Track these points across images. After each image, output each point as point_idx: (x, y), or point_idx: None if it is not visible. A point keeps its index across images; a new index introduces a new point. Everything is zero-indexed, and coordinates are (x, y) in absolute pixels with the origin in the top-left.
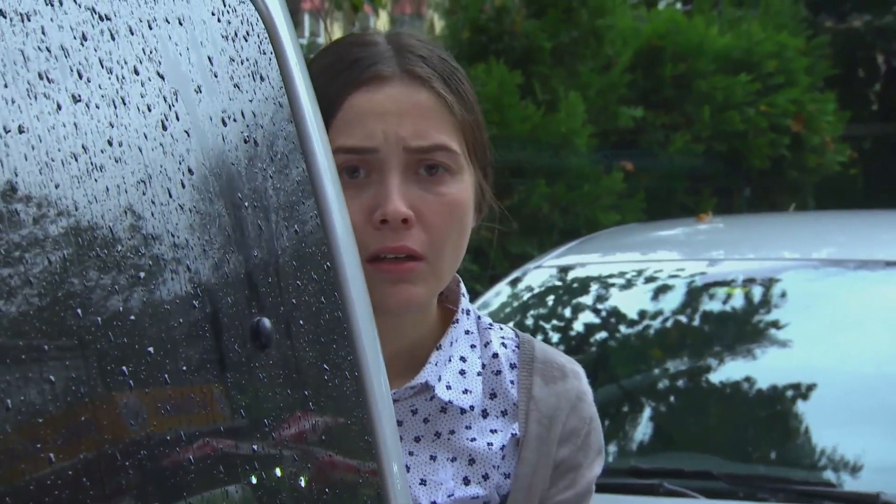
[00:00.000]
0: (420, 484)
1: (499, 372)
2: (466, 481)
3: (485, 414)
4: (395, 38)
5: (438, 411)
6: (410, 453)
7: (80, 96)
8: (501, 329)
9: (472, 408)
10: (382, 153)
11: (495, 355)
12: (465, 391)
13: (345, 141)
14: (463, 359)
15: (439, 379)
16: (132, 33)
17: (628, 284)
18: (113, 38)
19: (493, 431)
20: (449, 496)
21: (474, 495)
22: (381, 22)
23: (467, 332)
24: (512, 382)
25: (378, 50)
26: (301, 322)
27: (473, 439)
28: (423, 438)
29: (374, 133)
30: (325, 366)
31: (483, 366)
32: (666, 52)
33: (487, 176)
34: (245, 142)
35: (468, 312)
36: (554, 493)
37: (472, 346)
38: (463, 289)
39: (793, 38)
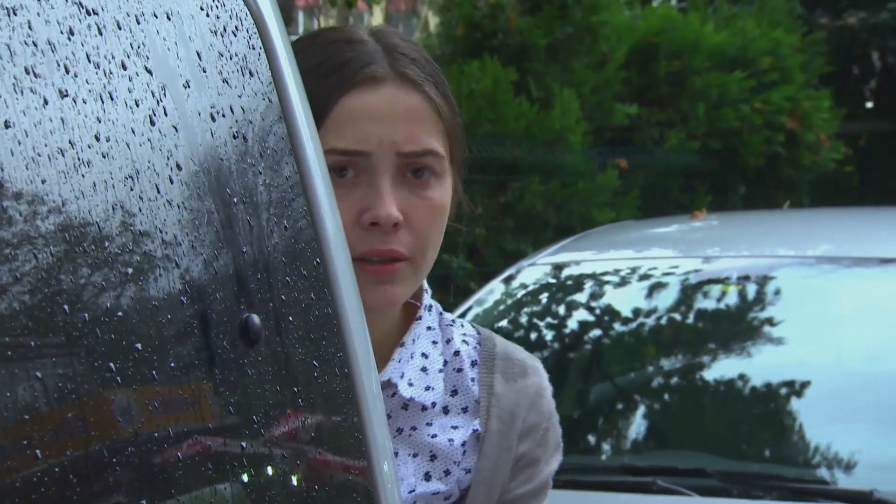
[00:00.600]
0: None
1: (460, 369)
2: (428, 477)
3: (446, 410)
4: (381, 37)
5: (400, 408)
6: None
7: (67, 91)
8: (463, 325)
9: (433, 405)
10: (375, 157)
11: (457, 352)
12: (427, 388)
13: (337, 143)
14: (425, 355)
15: (401, 376)
16: (120, 28)
17: (623, 282)
18: (100, 33)
19: (455, 428)
20: (410, 492)
21: (435, 490)
22: (376, 18)
23: (429, 329)
24: (473, 379)
25: (367, 49)
26: (291, 319)
27: (435, 435)
28: None
29: (367, 137)
30: (315, 363)
31: (445, 362)
32: (661, 48)
33: (461, 174)
34: (234, 137)
35: (430, 308)
36: (513, 486)
37: (434, 343)
38: (426, 284)
39: (788, 35)
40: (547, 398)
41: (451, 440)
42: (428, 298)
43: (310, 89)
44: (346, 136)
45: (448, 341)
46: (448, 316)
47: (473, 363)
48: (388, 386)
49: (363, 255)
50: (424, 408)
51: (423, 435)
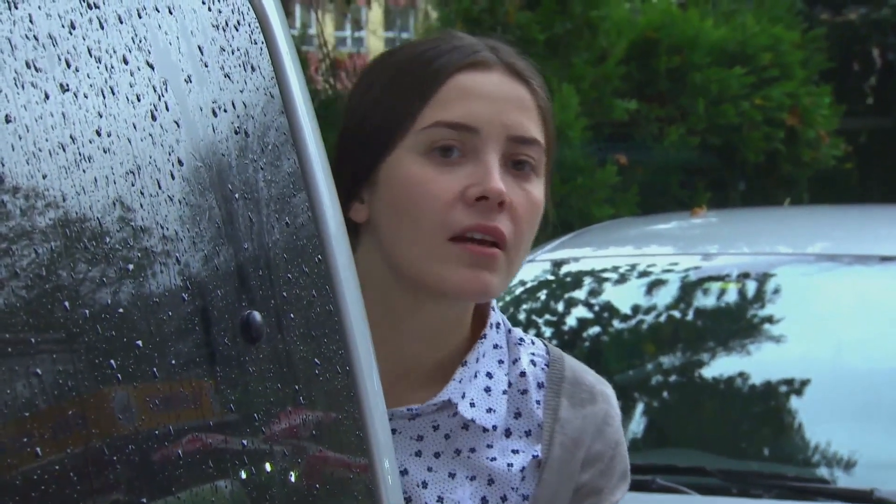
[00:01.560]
0: (437, 501)
1: (525, 391)
2: (484, 501)
3: (508, 433)
4: (485, 39)
5: (460, 428)
6: (429, 469)
7: (68, 86)
8: (533, 344)
9: (494, 427)
10: (483, 135)
11: (523, 373)
12: (489, 410)
13: (446, 116)
14: (489, 375)
15: (463, 396)
16: (121, 22)
17: (622, 279)
18: (102, 27)
19: (515, 452)
20: None
21: None
22: (374, 14)
23: (496, 347)
24: (538, 402)
25: (474, 43)
26: (292, 316)
27: (494, 459)
28: (442, 454)
29: (477, 113)
30: (317, 360)
31: (509, 384)
32: (660, 44)
33: (549, 181)
34: (236, 133)
35: (498, 326)
36: None
37: (500, 362)
38: (493, 301)
39: (788, 32)
40: (614, 426)
41: (510, 465)
42: (496, 315)
43: (414, 72)
44: (457, 111)
45: (515, 361)
46: (517, 333)
47: (540, 385)
48: (448, 406)
49: (466, 230)
50: (485, 430)
51: (481, 458)
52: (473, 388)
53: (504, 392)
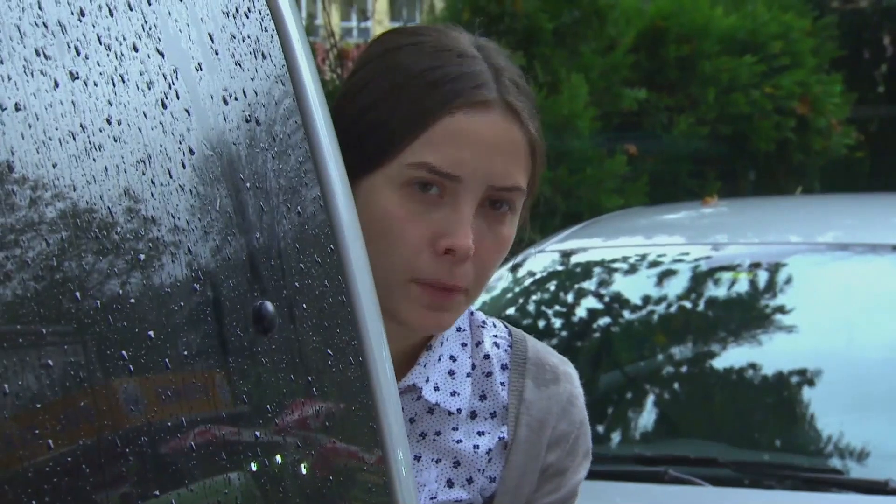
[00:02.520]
0: (415, 485)
1: (489, 373)
2: (450, 483)
3: (473, 416)
4: (488, 54)
5: (425, 412)
6: None
7: (77, 73)
8: (495, 326)
9: (459, 410)
10: (465, 183)
11: (486, 356)
12: (454, 393)
13: (432, 161)
14: (453, 358)
15: (427, 380)
16: (131, 9)
17: (632, 269)
18: (111, 14)
19: (481, 434)
20: (431, 498)
21: (457, 498)
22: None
23: (459, 330)
24: (502, 384)
25: (479, 69)
26: (304, 306)
27: (459, 441)
28: (408, 438)
29: (464, 162)
30: (329, 350)
31: (473, 366)
32: (670, 32)
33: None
34: (247, 121)
35: None
36: (539, 496)
37: (463, 345)
38: None
39: (799, 19)
40: (578, 406)
41: (476, 447)
42: None
43: (411, 95)
44: (443, 156)
45: (478, 344)
46: (479, 316)
47: (504, 367)
48: (413, 390)
49: (427, 281)
50: (450, 413)
51: (447, 440)
52: (437, 372)
53: (468, 375)
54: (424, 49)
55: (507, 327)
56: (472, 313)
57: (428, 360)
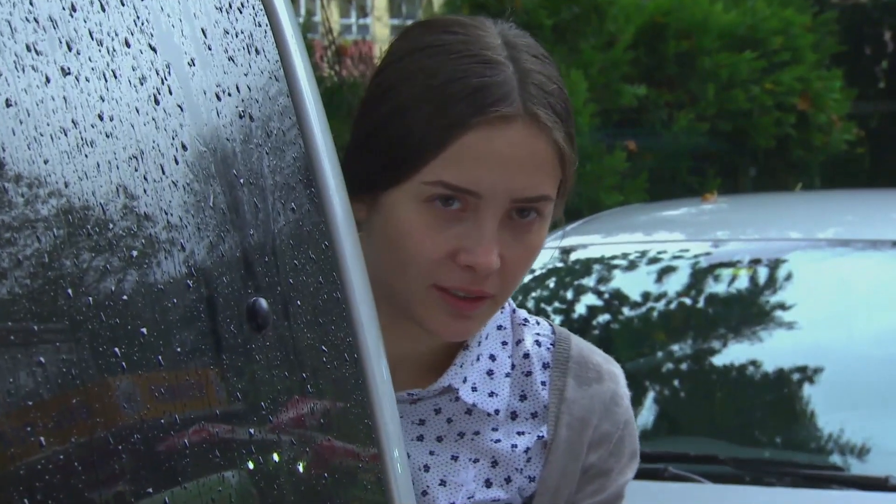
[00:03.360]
0: (440, 484)
1: (529, 373)
2: (488, 483)
3: (513, 416)
4: (515, 56)
5: (463, 412)
6: (431, 452)
7: (69, 69)
8: (538, 324)
9: (497, 412)
10: (486, 199)
11: (526, 355)
12: (491, 394)
13: (451, 178)
14: (492, 357)
15: (464, 380)
16: (123, 4)
17: (631, 266)
18: (103, 9)
19: (520, 434)
20: (469, 498)
21: (495, 498)
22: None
23: (499, 328)
24: (543, 384)
25: (502, 79)
26: (299, 303)
27: (498, 441)
28: (445, 438)
29: (483, 179)
30: (324, 347)
31: (513, 366)
32: (669, 28)
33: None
34: (240, 117)
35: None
36: (581, 498)
37: (504, 344)
38: None
39: (799, 15)
40: (623, 406)
41: (514, 446)
42: None
43: (431, 109)
44: (462, 173)
45: (518, 342)
46: (521, 314)
47: (545, 365)
48: (449, 391)
49: (449, 289)
50: (489, 414)
51: (485, 440)
52: (475, 372)
53: (507, 375)
54: (446, 53)
55: (550, 325)
56: (513, 311)
57: (465, 359)
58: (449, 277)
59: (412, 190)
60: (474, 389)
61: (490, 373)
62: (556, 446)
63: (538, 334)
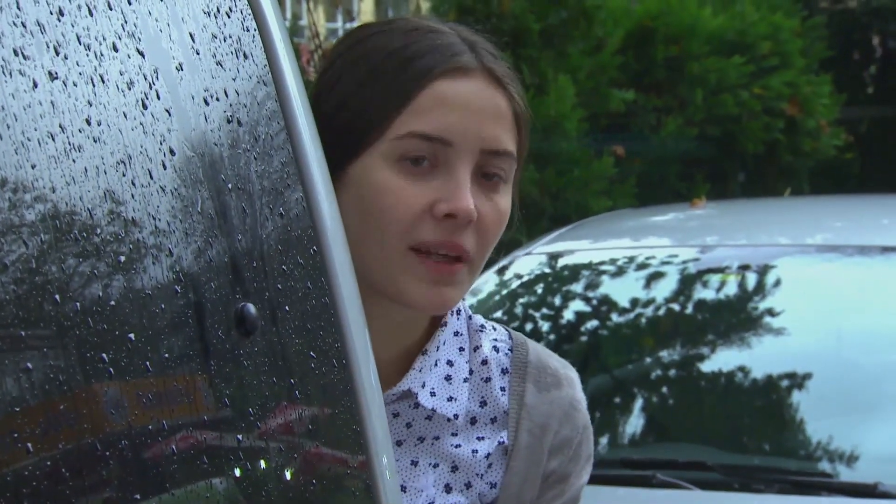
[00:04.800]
0: (400, 490)
1: (488, 379)
2: (448, 488)
3: (473, 421)
4: (460, 31)
5: (423, 418)
6: None
7: (57, 74)
8: (494, 329)
9: (456, 416)
10: (456, 148)
11: (485, 361)
12: (450, 398)
13: (421, 127)
14: (450, 363)
15: (423, 385)
16: (111, 8)
17: (620, 272)
18: (91, 14)
19: (480, 439)
20: (429, 503)
21: (455, 503)
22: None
23: (456, 334)
24: (502, 389)
25: (453, 40)
26: (287, 308)
27: (458, 446)
28: (404, 443)
29: (454, 126)
30: (312, 353)
31: (471, 371)
32: (658, 33)
33: (518, 179)
34: (228, 122)
35: (458, 312)
36: (542, 503)
37: (461, 350)
38: None
39: (787, 20)
40: (581, 410)
41: (474, 451)
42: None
43: (390, 72)
44: (432, 122)
45: (476, 349)
46: (478, 320)
47: (504, 371)
48: (408, 396)
49: (428, 246)
50: (448, 419)
51: (445, 445)
52: (433, 377)
53: (465, 380)
54: (395, 32)
55: (507, 331)
56: (469, 317)
57: (424, 364)
58: (428, 232)
59: (382, 150)
60: (433, 394)
61: (448, 378)
62: (518, 452)
63: (496, 339)
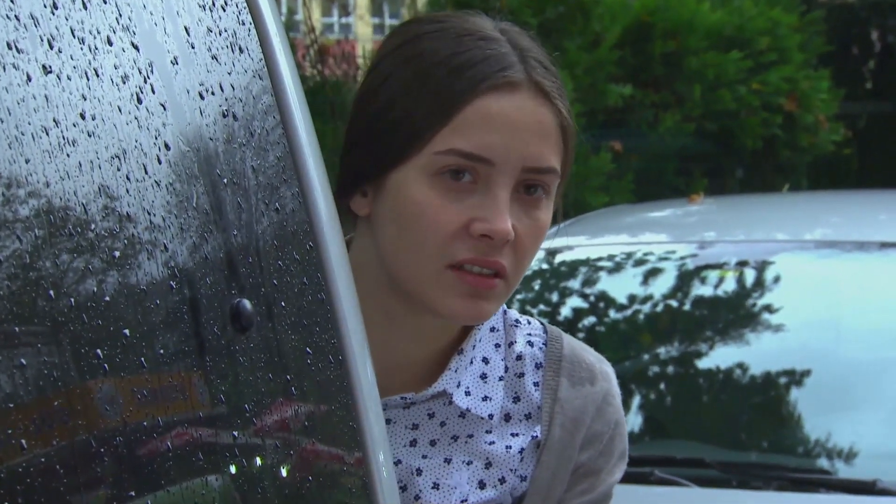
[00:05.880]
0: (432, 488)
1: (522, 374)
2: (482, 485)
3: (507, 418)
4: (512, 37)
5: (457, 416)
6: (424, 456)
7: (50, 67)
8: (529, 324)
9: (491, 416)
10: (498, 167)
11: (519, 356)
12: (485, 398)
13: (462, 145)
14: (485, 360)
15: (458, 385)
16: (105, 2)
17: (617, 267)
18: (85, 7)
19: (514, 435)
20: (462, 501)
21: (488, 499)
22: None
23: (492, 330)
24: (536, 384)
25: (504, 51)
26: (283, 304)
27: (492, 443)
28: (438, 442)
29: (495, 145)
30: (308, 349)
31: (506, 368)
32: (656, 28)
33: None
34: (224, 116)
35: None
36: (570, 496)
37: (497, 346)
38: None
39: (786, 14)
40: (614, 405)
41: (508, 447)
42: None
43: (436, 83)
44: (473, 140)
45: (510, 344)
46: (513, 314)
47: (538, 365)
48: (443, 395)
49: (466, 263)
50: (482, 418)
51: (479, 442)
52: (469, 376)
53: (500, 378)
54: (447, 35)
55: (542, 324)
56: (504, 312)
57: (459, 363)
58: (464, 251)
59: (422, 163)
60: (468, 394)
61: (483, 376)
62: (550, 446)
63: (530, 334)
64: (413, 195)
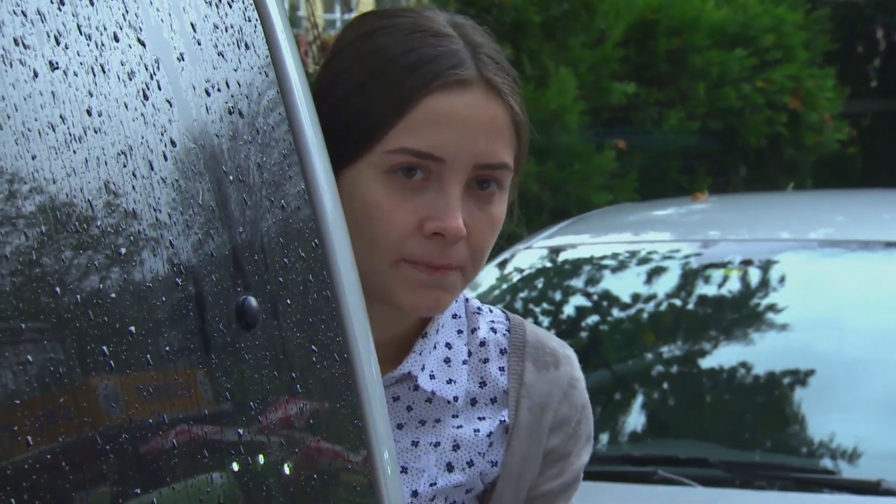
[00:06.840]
0: (401, 472)
1: (486, 360)
2: (450, 467)
3: (473, 403)
4: (464, 33)
5: (423, 401)
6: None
7: (57, 63)
8: (491, 311)
9: (455, 398)
10: (448, 164)
11: (483, 343)
12: (450, 381)
13: (413, 144)
14: (448, 345)
15: (422, 368)
16: None
17: (621, 266)
18: (92, 3)
19: (481, 419)
20: (431, 484)
21: (457, 482)
22: None
23: (454, 317)
24: (501, 369)
25: (455, 48)
26: (288, 301)
27: (460, 426)
28: (405, 426)
29: (446, 143)
30: (314, 347)
31: (469, 353)
32: (660, 25)
33: (517, 182)
34: (230, 113)
35: None
36: (542, 481)
37: (459, 332)
38: None
39: (791, 12)
40: (580, 389)
41: (476, 431)
42: None
43: (388, 81)
44: (424, 138)
45: (473, 331)
46: (474, 303)
47: (503, 351)
48: (408, 378)
49: (416, 260)
50: (448, 401)
51: (447, 426)
52: (433, 360)
53: (464, 362)
54: (399, 31)
55: (504, 312)
56: (466, 300)
57: (423, 347)
58: (417, 249)
59: (374, 162)
60: (432, 377)
61: (447, 360)
62: (518, 430)
63: (493, 321)
64: (365, 194)
